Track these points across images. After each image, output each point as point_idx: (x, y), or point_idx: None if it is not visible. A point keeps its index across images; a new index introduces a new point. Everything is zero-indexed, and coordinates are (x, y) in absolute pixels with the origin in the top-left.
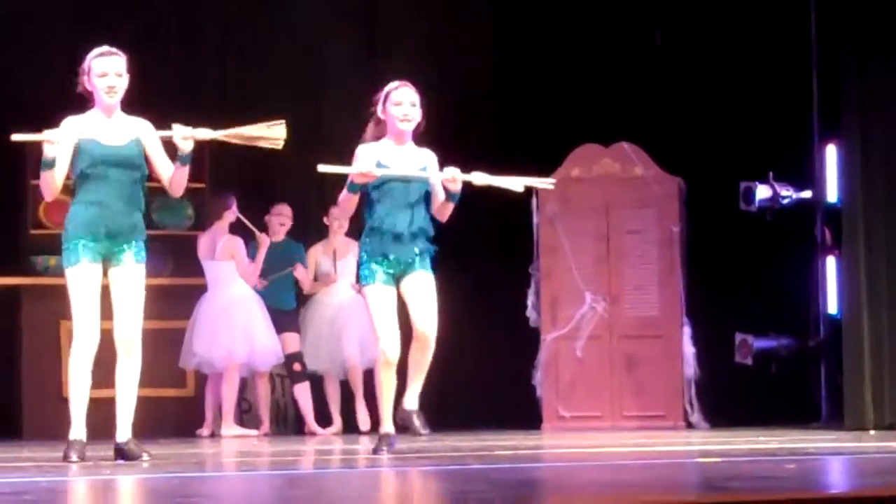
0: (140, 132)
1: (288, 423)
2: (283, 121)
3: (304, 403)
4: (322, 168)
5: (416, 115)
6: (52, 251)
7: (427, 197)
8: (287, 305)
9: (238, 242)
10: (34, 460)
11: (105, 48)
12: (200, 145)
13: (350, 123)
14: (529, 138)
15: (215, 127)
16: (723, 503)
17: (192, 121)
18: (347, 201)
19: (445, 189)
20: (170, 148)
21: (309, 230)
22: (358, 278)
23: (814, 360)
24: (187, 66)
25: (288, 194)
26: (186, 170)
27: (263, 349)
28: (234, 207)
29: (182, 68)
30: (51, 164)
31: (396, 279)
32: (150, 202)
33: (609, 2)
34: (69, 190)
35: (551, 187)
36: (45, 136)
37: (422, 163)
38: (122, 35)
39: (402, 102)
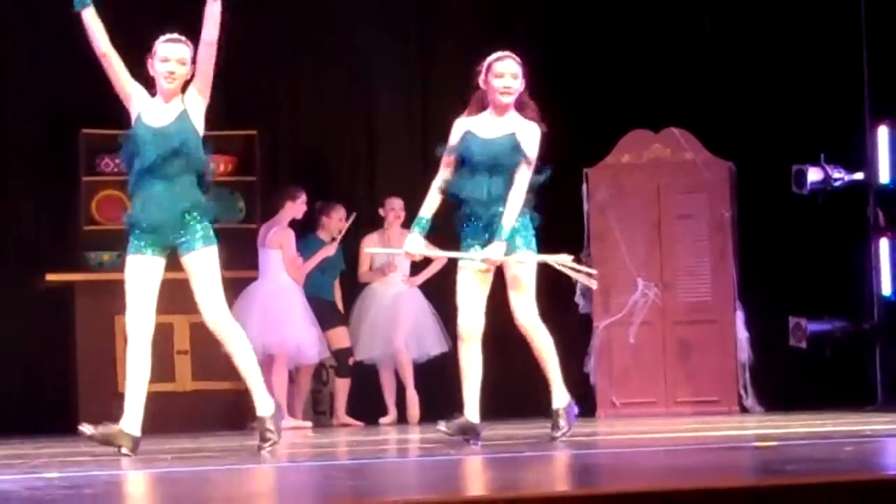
0: (187, 100)
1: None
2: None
3: (340, 397)
4: (368, 250)
5: (517, 86)
6: (105, 247)
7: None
8: (327, 295)
9: (288, 234)
10: (92, 454)
11: (174, 35)
12: (249, 140)
13: (398, 118)
14: (580, 125)
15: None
16: (781, 486)
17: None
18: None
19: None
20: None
21: (359, 223)
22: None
23: (868, 342)
24: (237, 73)
25: (338, 188)
26: (217, 4)
27: (296, 343)
28: (298, 200)
29: (231, 76)
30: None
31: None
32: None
33: None
34: (120, 185)
35: (593, 285)
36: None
37: (515, 130)
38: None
39: (503, 74)
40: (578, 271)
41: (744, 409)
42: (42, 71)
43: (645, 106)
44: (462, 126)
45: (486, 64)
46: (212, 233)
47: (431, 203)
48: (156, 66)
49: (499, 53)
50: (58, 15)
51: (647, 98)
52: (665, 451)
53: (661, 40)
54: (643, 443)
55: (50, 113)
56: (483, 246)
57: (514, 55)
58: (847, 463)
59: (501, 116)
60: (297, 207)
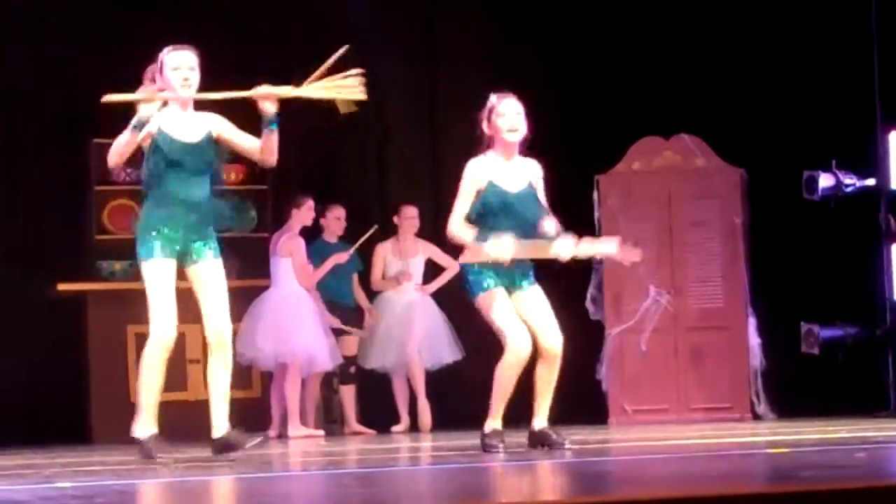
0: (211, 125)
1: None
2: (360, 70)
3: (348, 405)
4: (463, 260)
5: (522, 125)
6: (117, 256)
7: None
8: (346, 299)
9: (297, 242)
10: (105, 464)
11: (177, 45)
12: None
13: (409, 124)
14: (590, 132)
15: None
16: (793, 493)
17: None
18: (469, 250)
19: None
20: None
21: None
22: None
23: (881, 348)
24: (245, 81)
25: (349, 196)
26: (275, 134)
27: (309, 352)
28: (310, 206)
29: (240, 83)
30: (143, 124)
31: (507, 288)
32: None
33: None
34: (132, 195)
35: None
36: (140, 94)
37: (529, 177)
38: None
39: (506, 114)
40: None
41: (756, 416)
42: (53, 80)
43: (655, 113)
44: (480, 171)
45: (486, 108)
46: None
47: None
48: (168, 76)
49: (499, 95)
50: (68, 23)
51: (657, 105)
52: (677, 458)
53: (671, 47)
54: (655, 450)
55: (61, 122)
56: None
57: (513, 95)
58: (860, 469)
59: (509, 159)
60: (303, 214)
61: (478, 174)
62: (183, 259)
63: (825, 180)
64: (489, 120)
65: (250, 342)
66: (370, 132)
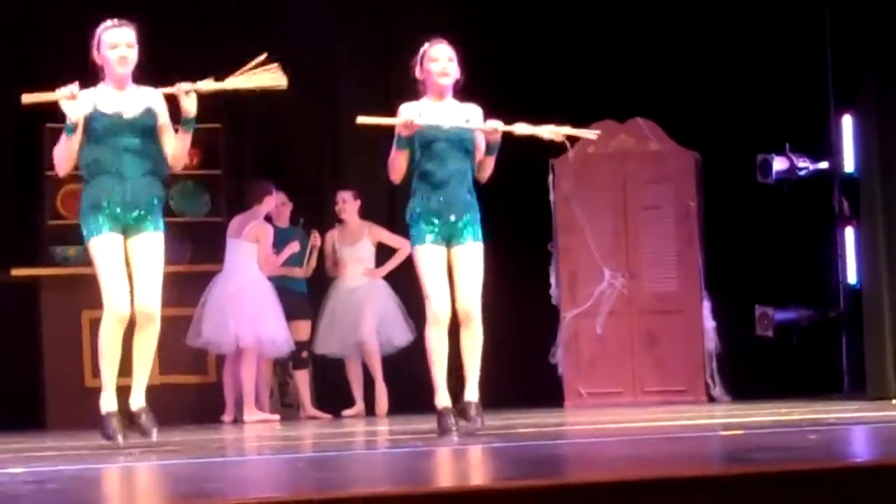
0: (152, 101)
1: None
2: (276, 63)
3: (303, 389)
4: (361, 120)
5: (453, 70)
6: (70, 241)
7: (468, 147)
8: (298, 287)
9: (267, 229)
10: (57, 449)
11: (115, 20)
12: (214, 134)
13: (363, 110)
14: (544, 116)
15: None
16: (746, 475)
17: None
18: (396, 159)
19: (486, 142)
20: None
21: (325, 218)
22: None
23: (835, 330)
24: (194, 59)
25: (302, 181)
26: (189, 138)
27: (270, 336)
28: (274, 194)
29: (189, 60)
30: (74, 128)
31: (446, 242)
32: (167, 190)
33: None
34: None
35: (595, 136)
36: (60, 92)
37: (465, 115)
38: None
39: (438, 58)
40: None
41: (711, 399)
42: (4, 66)
43: (610, 96)
44: (411, 108)
45: (419, 54)
46: (163, 221)
47: None
48: (106, 54)
49: (431, 41)
50: (19, 9)
51: (612, 89)
52: (631, 440)
53: (626, 31)
54: (609, 433)
55: (12, 108)
56: (444, 233)
57: (445, 41)
58: (811, 451)
59: (441, 101)
60: (272, 202)
61: (407, 113)
62: (125, 232)
63: (779, 164)
64: (421, 65)
65: (212, 326)
66: (324, 116)
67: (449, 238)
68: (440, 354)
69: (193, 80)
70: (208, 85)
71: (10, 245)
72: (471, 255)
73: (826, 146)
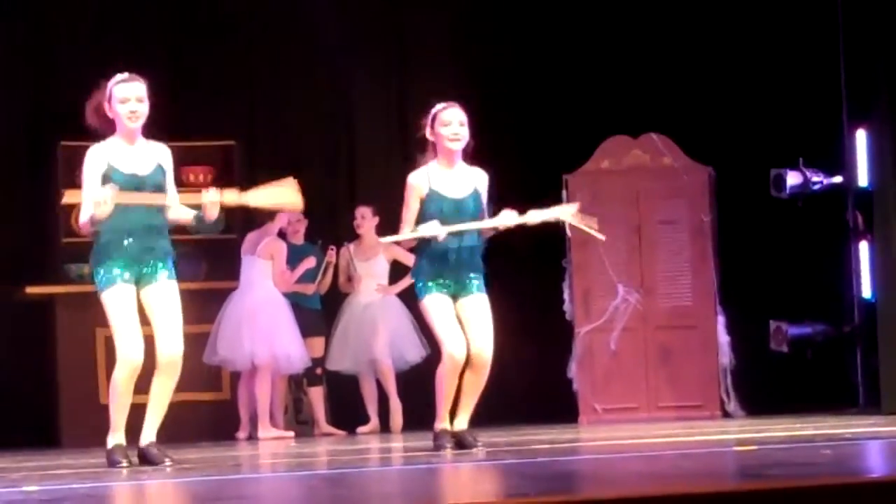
0: (161, 158)
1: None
2: (293, 179)
3: (317, 406)
4: (384, 240)
5: (464, 133)
6: (85, 259)
7: (479, 218)
8: (312, 304)
9: (281, 246)
10: (72, 467)
11: (126, 74)
12: (229, 150)
13: (378, 128)
14: (559, 131)
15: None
16: (760, 490)
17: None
18: (408, 244)
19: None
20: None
21: (340, 233)
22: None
23: (849, 345)
24: (215, 84)
25: (318, 198)
26: (190, 224)
27: (286, 353)
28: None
29: (209, 87)
30: (101, 223)
31: (453, 295)
32: None
33: None
34: None
35: (602, 238)
36: (96, 197)
37: (473, 185)
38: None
39: (450, 122)
40: (587, 225)
41: (726, 414)
42: (20, 83)
43: (624, 112)
44: (421, 181)
45: (430, 115)
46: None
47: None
48: (116, 108)
49: (443, 104)
50: (35, 25)
51: (626, 104)
52: (646, 456)
53: (640, 46)
54: (624, 448)
55: (28, 125)
56: (450, 290)
57: (458, 104)
58: (826, 466)
59: (451, 167)
60: (285, 218)
61: (418, 184)
62: (138, 281)
63: (793, 178)
64: (432, 127)
65: (227, 344)
66: (340, 136)
67: (456, 293)
68: (451, 390)
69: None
70: (231, 197)
71: (26, 263)
72: (481, 304)
73: (840, 160)
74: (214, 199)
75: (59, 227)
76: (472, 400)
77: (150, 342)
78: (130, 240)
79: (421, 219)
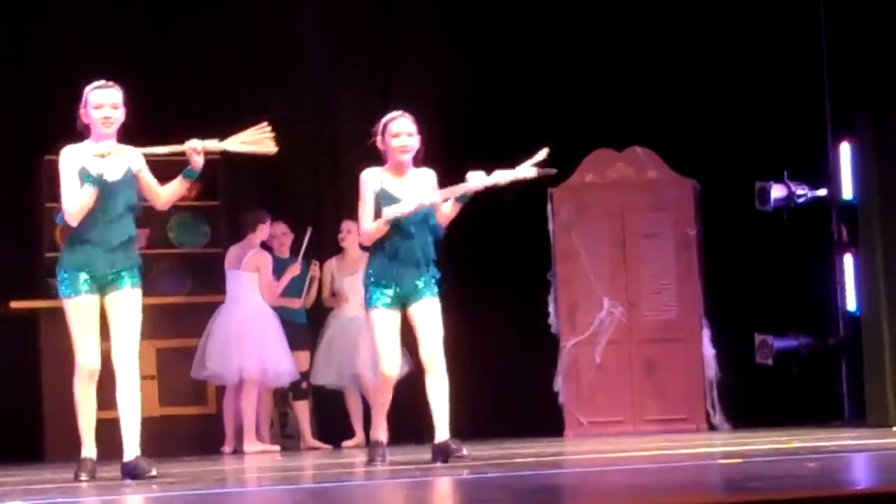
0: (130, 161)
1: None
2: (266, 124)
3: (303, 420)
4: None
5: (413, 144)
6: None
7: (431, 221)
8: (298, 319)
9: (266, 257)
10: (56, 482)
11: (102, 81)
12: (213, 165)
13: (362, 141)
14: (542, 145)
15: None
16: (745, 503)
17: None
18: (380, 232)
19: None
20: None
21: (325, 247)
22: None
23: (834, 358)
24: (198, 97)
25: (301, 211)
26: (186, 185)
27: (276, 366)
28: (269, 223)
29: (193, 103)
30: (98, 179)
31: (402, 304)
32: (166, 221)
33: (617, 6)
34: None
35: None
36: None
37: (422, 185)
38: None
39: (399, 133)
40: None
41: (712, 427)
42: (2, 97)
43: (608, 125)
44: (374, 179)
45: (381, 124)
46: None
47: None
48: (90, 114)
49: (393, 113)
50: (17, 40)
51: (610, 117)
52: (631, 470)
53: (623, 59)
54: (609, 462)
55: (10, 139)
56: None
57: (407, 114)
58: (811, 479)
59: (401, 176)
60: (266, 230)
61: (371, 179)
62: (102, 290)
63: (777, 191)
64: (382, 136)
65: (216, 358)
66: (324, 149)
67: (406, 298)
68: (385, 404)
69: (200, 135)
70: (213, 144)
71: (9, 278)
72: (430, 308)
73: (824, 173)
74: (196, 146)
75: (43, 242)
76: (444, 406)
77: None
78: (98, 255)
79: (375, 217)
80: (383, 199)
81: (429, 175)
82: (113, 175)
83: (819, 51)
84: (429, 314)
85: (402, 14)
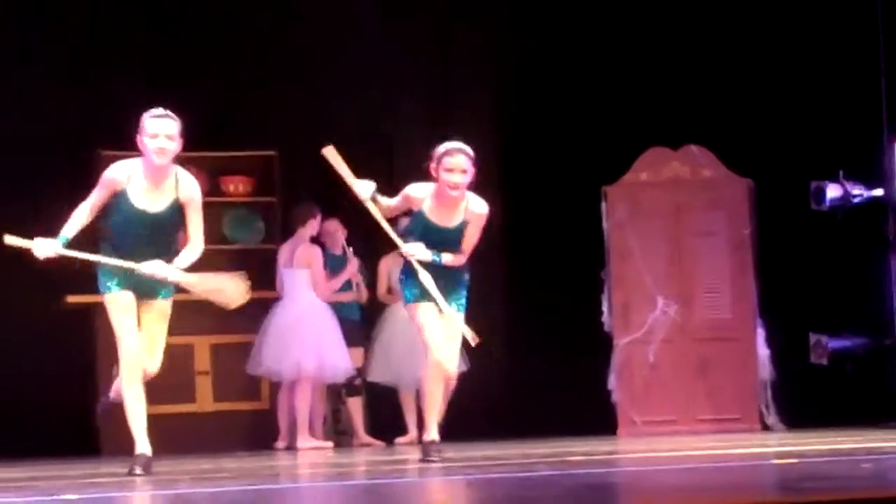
0: (182, 193)
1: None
2: (243, 275)
3: (356, 416)
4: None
5: (465, 182)
6: None
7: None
8: (352, 315)
9: (316, 251)
10: (113, 475)
11: (161, 110)
12: (268, 160)
13: (418, 136)
14: (597, 143)
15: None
16: None
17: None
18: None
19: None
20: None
21: (378, 243)
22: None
23: (889, 358)
24: (255, 94)
25: (358, 207)
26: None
27: (332, 363)
28: (319, 217)
29: (249, 96)
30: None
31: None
32: (220, 217)
33: (674, 5)
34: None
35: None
36: (36, 245)
37: (464, 217)
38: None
39: (453, 170)
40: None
41: (765, 427)
42: (61, 93)
43: (663, 123)
44: (420, 198)
45: (438, 153)
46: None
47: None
48: (145, 142)
49: (450, 146)
50: (74, 37)
51: (665, 115)
52: (684, 469)
53: (678, 58)
54: (662, 461)
55: (68, 134)
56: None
57: (465, 149)
58: (866, 480)
59: (445, 207)
60: (316, 224)
61: (417, 196)
62: (137, 293)
63: (833, 191)
64: (437, 166)
65: (273, 354)
66: (379, 147)
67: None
68: (439, 401)
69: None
70: (185, 278)
71: (66, 272)
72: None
73: (880, 173)
74: (163, 275)
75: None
76: (435, 410)
77: None
78: (131, 262)
79: (408, 227)
80: (420, 221)
81: (476, 216)
82: (153, 206)
83: (876, 48)
84: (451, 325)
85: (461, 13)
